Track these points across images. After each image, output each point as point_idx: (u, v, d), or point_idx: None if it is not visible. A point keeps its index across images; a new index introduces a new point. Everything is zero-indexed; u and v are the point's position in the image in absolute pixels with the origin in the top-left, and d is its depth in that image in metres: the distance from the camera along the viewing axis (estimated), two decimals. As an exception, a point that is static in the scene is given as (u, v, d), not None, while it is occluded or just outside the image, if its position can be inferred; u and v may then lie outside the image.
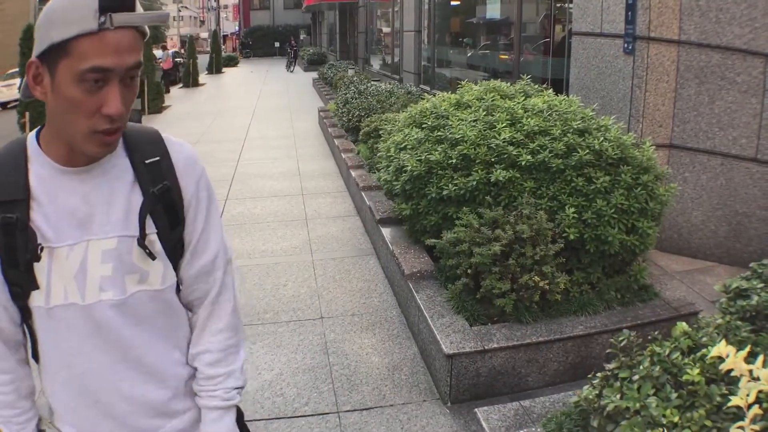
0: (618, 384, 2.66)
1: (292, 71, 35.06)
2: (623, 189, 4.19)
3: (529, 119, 4.63)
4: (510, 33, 9.72)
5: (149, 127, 1.56)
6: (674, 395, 2.44)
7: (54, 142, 1.41)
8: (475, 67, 11.99)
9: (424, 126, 5.20)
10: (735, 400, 1.90)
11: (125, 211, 1.44)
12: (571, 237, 4.08)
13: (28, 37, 9.97)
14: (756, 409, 1.85)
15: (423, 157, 4.75)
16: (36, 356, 1.55)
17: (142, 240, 1.44)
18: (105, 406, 1.51)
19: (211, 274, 1.60)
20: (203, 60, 34.45)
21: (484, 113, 4.92)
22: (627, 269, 4.41)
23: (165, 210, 1.48)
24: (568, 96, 5.26)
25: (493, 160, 4.47)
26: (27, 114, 9.72)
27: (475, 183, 4.39)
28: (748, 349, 1.97)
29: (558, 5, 8.44)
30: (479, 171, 4.43)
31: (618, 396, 2.58)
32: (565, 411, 3.05)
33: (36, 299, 1.43)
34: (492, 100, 5.13)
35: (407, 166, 4.83)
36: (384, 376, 4.09)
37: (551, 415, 3.05)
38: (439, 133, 4.92)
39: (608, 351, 2.90)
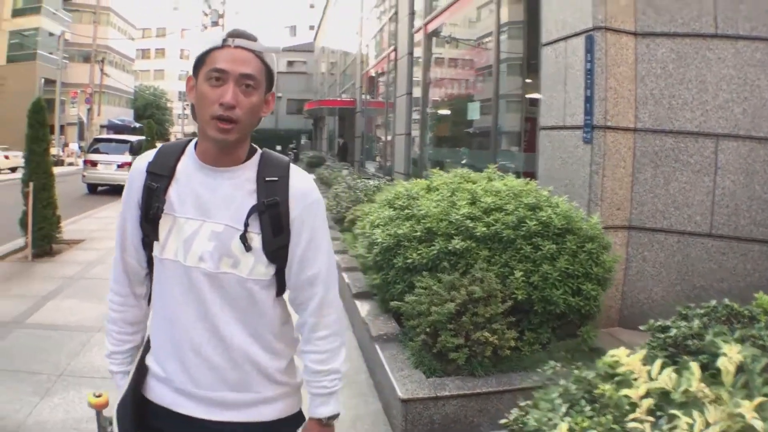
0: (543, 405, 3.01)
1: (291, 174, 35.82)
2: (568, 255, 4.62)
3: (486, 198, 5.11)
4: (488, 133, 10.34)
5: (284, 157, 2.01)
6: (588, 408, 2.77)
7: (201, 143, 1.91)
8: (461, 166, 12.58)
9: (395, 206, 5.68)
10: (627, 391, 2.26)
11: (237, 209, 1.86)
12: (520, 297, 4.50)
13: (36, 110, 10.13)
14: (648, 402, 2.20)
15: (392, 231, 5.21)
16: (149, 301, 2.06)
17: (243, 234, 1.85)
18: (179, 350, 1.92)
19: (313, 286, 1.96)
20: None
21: (449, 194, 5.40)
22: (578, 333, 4.79)
23: (270, 218, 1.87)
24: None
25: (453, 232, 4.91)
26: (31, 184, 9.85)
27: (436, 252, 4.83)
28: (643, 352, 2.33)
29: (530, 106, 9.06)
30: (440, 242, 4.87)
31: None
32: (501, 442, 3.38)
33: (155, 249, 1.92)
34: (458, 184, 5.63)
35: (378, 239, 5.28)
36: (347, 426, 4.39)
37: (489, 446, 3.38)
38: (407, 211, 5.39)
39: (537, 380, 3.26)
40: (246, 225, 1.85)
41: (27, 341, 5.99)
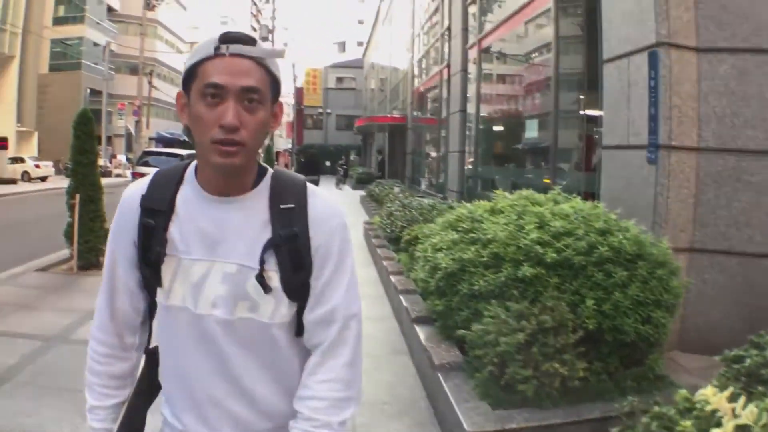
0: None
1: (341, 189, 36.08)
2: (639, 282, 4.48)
3: (555, 222, 4.97)
4: (547, 153, 10.18)
5: (299, 177, 1.69)
6: (670, 447, 2.66)
7: (202, 170, 1.63)
8: (517, 186, 12.43)
9: (459, 229, 5.56)
10: (716, 431, 2.16)
11: (251, 245, 1.58)
12: (591, 327, 4.35)
13: (83, 121, 9.90)
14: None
15: (456, 256, 5.10)
16: (145, 351, 1.82)
17: (260, 273, 1.57)
18: (196, 402, 1.67)
19: (329, 325, 1.65)
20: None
21: (516, 217, 5.27)
22: (644, 360, 4.64)
23: (289, 253, 1.58)
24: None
25: (521, 258, 4.78)
26: (77, 196, 9.68)
27: (503, 279, 4.70)
28: (731, 390, 2.23)
29: (588, 123, 8.91)
30: (508, 268, 4.74)
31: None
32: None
33: (159, 295, 1.66)
34: (524, 206, 5.49)
35: (441, 263, 5.18)
36: (411, 458, 4.31)
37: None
38: (472, 235, 5.27)
39: (614, 415, 3.14)
40: (262, 262, 1.58)
41: (71, 357, 5.87)
